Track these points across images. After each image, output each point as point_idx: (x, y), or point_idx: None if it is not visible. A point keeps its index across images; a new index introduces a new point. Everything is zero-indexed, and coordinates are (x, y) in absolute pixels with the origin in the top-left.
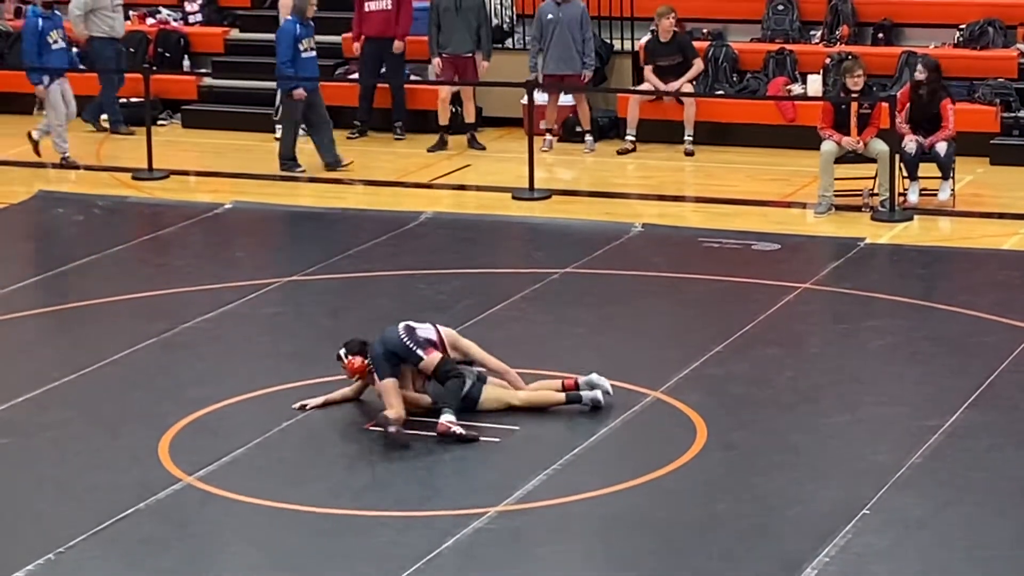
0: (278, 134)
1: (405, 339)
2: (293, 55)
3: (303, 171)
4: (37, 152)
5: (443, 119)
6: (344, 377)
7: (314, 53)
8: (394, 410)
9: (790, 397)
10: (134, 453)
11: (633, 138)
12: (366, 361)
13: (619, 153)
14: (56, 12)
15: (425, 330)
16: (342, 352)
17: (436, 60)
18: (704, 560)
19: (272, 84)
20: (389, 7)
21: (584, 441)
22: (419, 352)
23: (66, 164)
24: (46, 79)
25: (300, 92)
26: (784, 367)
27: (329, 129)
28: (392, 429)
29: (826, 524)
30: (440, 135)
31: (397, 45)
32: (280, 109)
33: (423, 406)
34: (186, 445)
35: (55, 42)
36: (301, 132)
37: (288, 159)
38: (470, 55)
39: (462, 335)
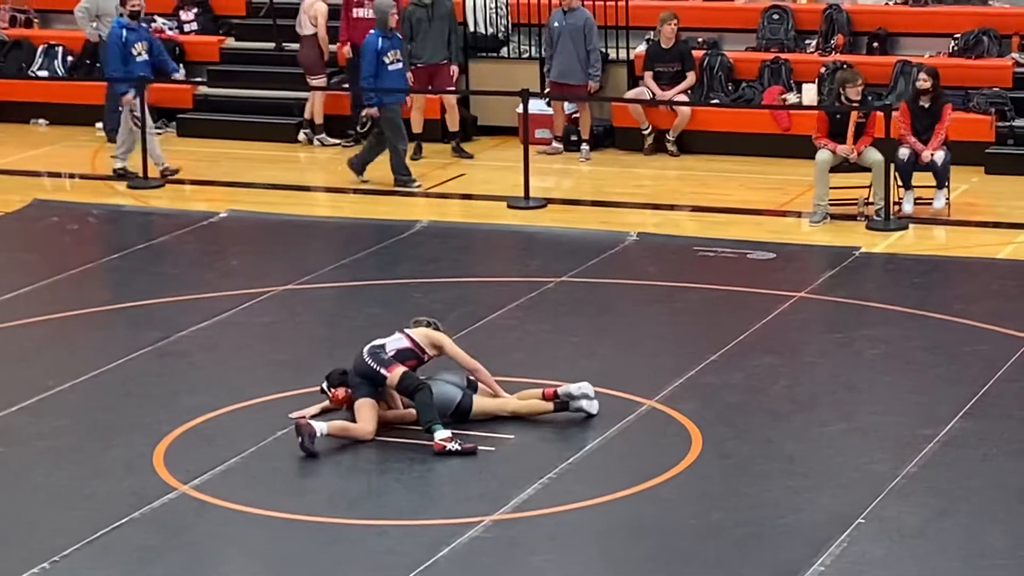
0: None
1: (370, 362)
2: (377, 69)
3: (419, 185)
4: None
5: (416, 127)
6: None
7: (400, 65)
8: (364, 424)
9: (785, 406)
10: (129, 462)
11: (648, 130)
12: (348, 391)
13: (646, 154)
14: (142, 24)
15: (394, 341)
16: (324, 385)
17: (409, 73)
18: (699, 569)
19: (269, 93)
20: None
21: (579, 450)
22: (383, 372)
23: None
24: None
25: (373, 110)
26: (779, 376)
27: (384, 149)
28: (304, 436)
29: (821, 532)
30: (416, 143)
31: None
32: (371, 127)
33: (410, 421)
34: (181, 454)
35: (139, 54)
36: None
37: (402, 174)
38: (444, 63)
39: (455, 344)
